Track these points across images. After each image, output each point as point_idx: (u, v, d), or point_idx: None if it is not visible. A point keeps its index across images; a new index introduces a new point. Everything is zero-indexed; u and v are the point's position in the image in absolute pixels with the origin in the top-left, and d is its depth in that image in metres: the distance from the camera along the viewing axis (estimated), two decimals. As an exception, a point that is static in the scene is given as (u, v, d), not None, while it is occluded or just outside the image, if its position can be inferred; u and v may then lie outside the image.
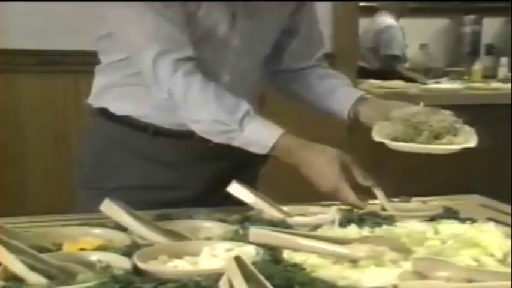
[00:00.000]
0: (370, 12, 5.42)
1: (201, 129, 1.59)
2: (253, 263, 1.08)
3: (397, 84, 4.51)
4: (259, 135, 1.54)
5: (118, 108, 1.72)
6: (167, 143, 1.71)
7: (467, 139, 1.46)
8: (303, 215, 1.50)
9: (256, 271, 1.00)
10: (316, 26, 1.86)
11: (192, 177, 1.72)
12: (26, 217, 1.52)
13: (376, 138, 1.47)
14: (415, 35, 6.57)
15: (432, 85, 4.58)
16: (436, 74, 5.94)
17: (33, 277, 1.08)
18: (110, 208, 1.36)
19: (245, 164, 1.74)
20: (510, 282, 1.01)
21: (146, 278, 1.11)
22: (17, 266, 1.09)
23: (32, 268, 1.10)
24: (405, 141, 1.46)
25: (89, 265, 1.16)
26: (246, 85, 1.72)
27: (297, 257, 1.19)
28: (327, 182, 1.51)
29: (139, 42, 1.58)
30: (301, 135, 1.56)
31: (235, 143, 1.57)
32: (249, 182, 1.58)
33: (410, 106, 1.57)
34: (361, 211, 1.51)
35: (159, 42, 1.55)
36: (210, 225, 1.42)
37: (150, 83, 1.58)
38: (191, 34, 1.60)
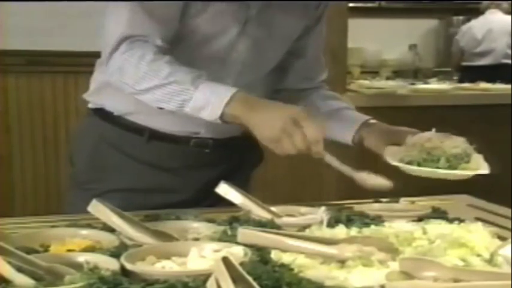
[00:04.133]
0: (359, 12, 5.44)
1: (155, 97, 1.55)
2: (241, 264, 1.08)
3: (386, 84, 4.53)
4: (212, 93, 1.51)
5: (114, 107, 1.72)
6: (162, 148, 1.71)
7: (479, 164, 1.49)
8: (291, 215, 1.51)
9: (244, 272, 1.00)
10: (321, 51, 1.86)
11: (185, 181, 1.72)
12: (13, 218, 1.52)
13: (393, 162, 1.49)
14: (405, 35, 6.60)
15: (421, 85, 4.60)
16: (425, 74, 5.97)
17: (20, 278, 1.08)
18: (98, 209, 1.36)
19: (238, 168, 1.75)
20: (496, 282, 1.01)
21: (134, 279, 1.11)
22: (3, 267, 1.09)
23: (19, 270, 1.10)
24: (419, 165, 1.48)
25: (77, 266, 1.16)
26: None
27: (285, 258, 1.19)
28: (269, 133, 1.47)
29: (109, 30, 1.59)
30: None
31: (188, 108, 1.52)
32: (241, 185, 1.58)
33: (419, 132, 1.57)
34: (350, 212, 1.51)
35: (125, 28, 1.56)
36: (198, 226, 1.41)
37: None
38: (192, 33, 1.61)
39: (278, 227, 1.39)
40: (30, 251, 1.21)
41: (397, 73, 5.93)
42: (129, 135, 1.70)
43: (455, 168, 1.47)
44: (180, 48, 1.63)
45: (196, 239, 1.31)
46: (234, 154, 1.78)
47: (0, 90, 3.00)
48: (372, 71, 5.81)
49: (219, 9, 1.61)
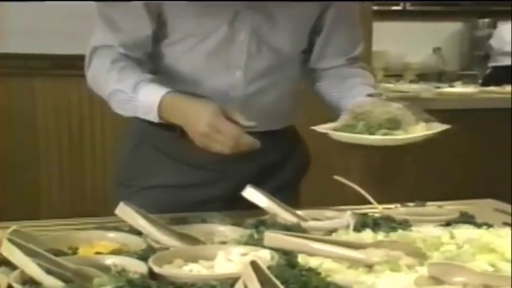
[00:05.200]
0: (383, 15, 5.42)
1: (114, 105, 1.64)
2: (268, 268, 1.07)
3: (410, 87, 4.50)
4: (148, 98, 1.56)
5: None
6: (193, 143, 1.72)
7: (418, 131, 1.44)
8: (317, 219, 1.50)
9: (272, 276, 1.00)
10: (347, 27, 1.82)
11: (220, 176, 1.73)
12: (42, 221, 1.53)
13: (318, 128, 1.47)
14: (429, 38, 6.56)
15: (445, 89, 4.57)
16: (450, 77, 5.93)
17: (49, 280, 1.08)
18: (124, 212, 1.36)
19: (279, 167, 1.76)
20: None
21: (161, 282, 1.12)
22: (33, 269, 1.10)
23: (48, 271, 1.10)
24: (345, 131, 1.45)
25: (105, 269, 1.16)
26: (266, 84, 1.72)
27: (312, 262, 1.19)
28: (197, 140, 1.50)
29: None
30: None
31: (139, 113, 1.59)
32: (286, 187, 1.65)
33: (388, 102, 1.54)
34: (377, 215, 1.50)
35: (93, 40, 1.68)
36: (224, 229, 1.42)
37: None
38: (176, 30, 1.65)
39: (304, 231, 1.38)
40: (59, 253, 1.22)
41: (421, 76, 5.90)
42: (162, 132, 1.70)
43: (384, 134, 1.42)
44: (177, 51, 1.68)
45: (223, 243, 1.31)
46: (272, 150, 1.75)
47: (27, 93, 3.03)
48: (395, 74, 5.78)
49: (201, 9, 1.63)
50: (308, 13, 1.75)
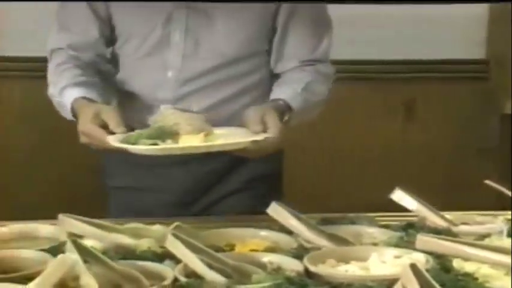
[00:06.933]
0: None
1: (56, 107, 1.66)
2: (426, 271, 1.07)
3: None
4: (67, 102, 1.59)
5: None
6: None
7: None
8: (466, 223, 1.48)
9: (432, 280, 1.00)
10: (303, 28, 1.71)
11: (171, 181, 1.70)
12: (196, 218, 1.58)
13: (110, 140, 1.44)
14: None
15: None
16: None
17: (212, 275, 1.13)
18: (276, 211, 1.40)
19: (226, 169, 1.71)
20: None
21: (317, 281, 1.14)
22: (197, 264, 1.15)
23: (209, 267, 1.16)
24: (123, 142, 1.42)
25: (260, 266, 1.20)
26: (203, 86, 1.67)
27: (468, 267, 1.18)
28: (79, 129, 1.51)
29: None
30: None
31: (68, 117, 1.61)
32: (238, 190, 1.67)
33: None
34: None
35: (48, 44, 1.73)
36: (373, 231, 1.43)
37: None
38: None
39: (455, 235, 1.37)
40: (218, 249, 1.27)
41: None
42: None
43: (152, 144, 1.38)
44: (124, 53, 1.71)
45: (375, 244, 1.32)
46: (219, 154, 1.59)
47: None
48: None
49: (139, 7, 1.65)
50: (251, 14, 1.67)
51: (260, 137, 1.44)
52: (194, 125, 1.43)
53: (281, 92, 1.64)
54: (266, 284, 1.11)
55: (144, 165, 1.68)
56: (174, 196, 1.70)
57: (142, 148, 1.38)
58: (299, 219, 1.39)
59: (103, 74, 1.72)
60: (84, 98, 1.58)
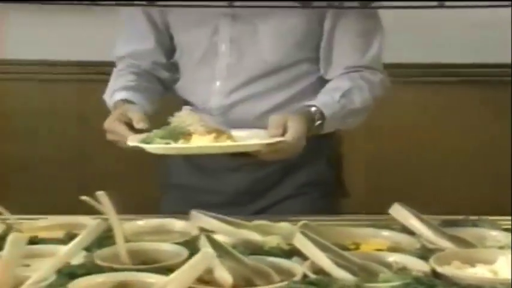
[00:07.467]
0: None
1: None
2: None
3: None
4: (111, 103, 1.69)
5: None
6: None
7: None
8: None
9: None
10: (348, 35, 1.70)
11: (226, 185, 1.73)
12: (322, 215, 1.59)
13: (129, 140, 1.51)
14: None
15: None
16: None
17: (340, 273, 1.16)
18: (398, 211, 1.42)
19: (280, 175, 1.72)
20: None
21: (445, 282, 1.15)
22: (325, 262, 1.18)
23: (337, 265, 1.18)
24: (142, 141, 1.48)
25: (386, 265, 1.22)
26: (250, 94, 1.69)
27: None
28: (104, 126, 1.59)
29: None
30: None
31: None
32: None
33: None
34: None
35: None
36: (496, 234, 1.42)
37: None
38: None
39: None
40: (343, 247, 1.29)
41: None
42: None
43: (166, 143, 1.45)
44: (182, 60, 1.76)
45: (501, 248, 1.31)
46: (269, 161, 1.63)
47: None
48: None
49: (190, 18, 1.69)
50: (295, 21, 1.66)
51: (271, 141, 1.48)
52: (206, 125, 1.49)
53: (317, 99, 1.65)
54: (395, 283, 1.12)
55: (203, 168, 1.75)
56: (228, 198, 1.73)
57: (153, 147, 1.46)
58: (421, 220, 1.40)
59: (162, 81, 1.79)
60: (125, 100, 1.67)
